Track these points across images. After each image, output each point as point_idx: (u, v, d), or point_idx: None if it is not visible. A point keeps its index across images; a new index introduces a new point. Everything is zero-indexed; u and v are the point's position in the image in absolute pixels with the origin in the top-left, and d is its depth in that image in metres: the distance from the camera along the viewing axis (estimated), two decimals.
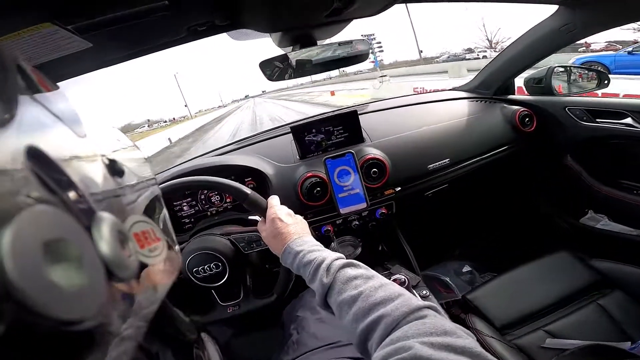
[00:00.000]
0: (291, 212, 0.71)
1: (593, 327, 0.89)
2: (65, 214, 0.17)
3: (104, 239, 0.19)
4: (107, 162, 0.25)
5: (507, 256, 1.22)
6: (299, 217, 0.70)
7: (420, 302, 0.41)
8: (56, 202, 0.17)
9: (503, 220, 1.67)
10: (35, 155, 0.17)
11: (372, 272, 0.51)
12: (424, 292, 0.93)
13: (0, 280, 0.13)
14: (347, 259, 0.54)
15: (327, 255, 0.54)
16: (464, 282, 1.43)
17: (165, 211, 0.32)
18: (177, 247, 0.31)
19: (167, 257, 0.27)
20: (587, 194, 1.30)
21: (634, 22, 1.00)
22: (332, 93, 22.24)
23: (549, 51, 1.20)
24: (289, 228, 0.64)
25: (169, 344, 0.36)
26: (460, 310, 1.07)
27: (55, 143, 0.20)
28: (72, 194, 0.19)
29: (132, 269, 0.21)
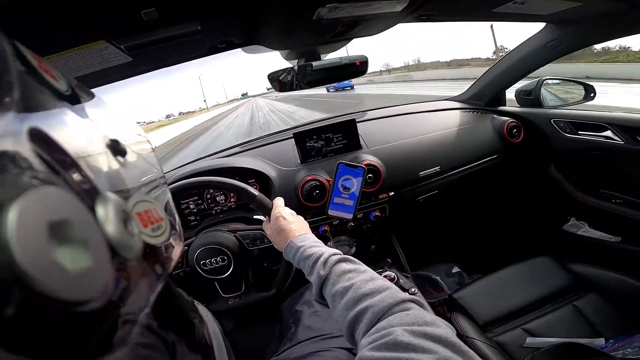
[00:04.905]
0: (294, 212, 0.76)
1: (568, 327, 0.95)
2: (69, 195, 0.17)
3: (109, 219, 0.19)
4: (109, 142, 0.24)
5: (494, 259, 1.28)
6: (301, 218, 0.76)
7: (406, 295, 0.44)
8: (60, 183, 0.17)
9: (491, 226, 1.73)
10: (37, 137, 0.17)
11: (365, 267, 0.54)
12: (413, 289, 1.00)
13: (7, 263, 0.13)
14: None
15: (325, 251, 0.58)
16: (453, 282, 1.49)
17: (169, 193, 0.31)
18: (179, 227, 0.30)
19: (171, 236, 0.26)
20: (569, 202, 1.37)
21: (612, 40, 1.07)
22: None
23: (535, 66, 1.27)
24: (292, 225, 0.69)
25: (172, 322, 0.35)
26: (446, 309, 1.14)
27: (58, 124, 0.20)
28: (75, 175, 0.19)
29: (136, 248, 0.21)
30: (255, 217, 0.98)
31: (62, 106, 0.21)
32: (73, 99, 0.23)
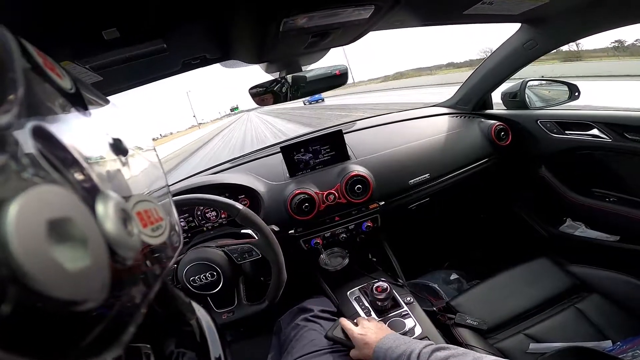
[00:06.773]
0: (363, 320, 0.81)
1: (572, 330, 0.92)
2: (70, 193, 0.17)
3: (108, 218, 0.18)
4: (111, 141, 0.24)
5: (490, 264, 1.26)
6: (368, 322, 0.79)
7: None
8: (61, 181, 0.17)
9: (486, 230, 1.71)
10: (40, 134, 0.17)
11: (462, 349, 0.55)
12: (408, 298, 0.97)
13: (5, 260, 0.13)
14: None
15: (415, 345, 0.60)
16: (452, 289, 1.45)
17: (169, 193, 0.31)
18: (177, 227, 0.30)
19: (170, 236, 0.26)
20: (563, 203, 1.35)
21: (584, 38, 1.07)
22: None
23: (516, 67, 1.27)
24: (371, 335, 0.72)
25: (170, 322, 0.35)
26: (446, 317, 1.10)
27: (61, 122, 0.20)
28: (76, 173, 0.19)
29: (135, 248, 0.21)
30: (242, 231, 0.98)
31: (66, 104, 0.21)
32: (77, 98, 0.23)
